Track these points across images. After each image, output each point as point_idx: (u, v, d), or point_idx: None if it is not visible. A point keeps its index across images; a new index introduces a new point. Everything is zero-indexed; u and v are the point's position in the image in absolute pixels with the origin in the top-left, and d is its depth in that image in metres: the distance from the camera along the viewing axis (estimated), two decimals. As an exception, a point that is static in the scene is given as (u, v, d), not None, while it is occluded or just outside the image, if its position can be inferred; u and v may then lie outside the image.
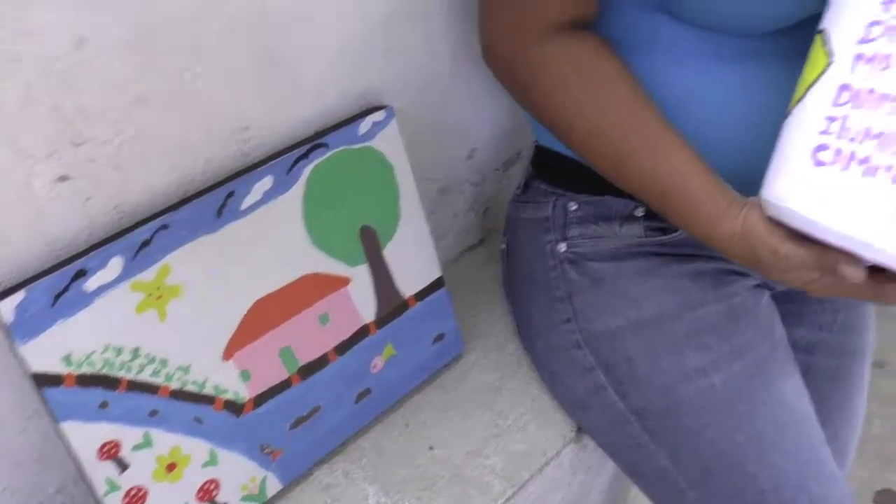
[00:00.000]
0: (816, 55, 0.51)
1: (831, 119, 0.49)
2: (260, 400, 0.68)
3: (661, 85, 0.64)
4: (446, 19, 0.78)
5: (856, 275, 0.50)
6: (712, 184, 0.59)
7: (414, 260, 0.76)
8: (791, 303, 0.80)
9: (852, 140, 0.47)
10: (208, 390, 0.65)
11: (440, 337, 0.81)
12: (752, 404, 0.68)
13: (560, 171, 0.76)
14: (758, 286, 0.75)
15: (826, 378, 0.85)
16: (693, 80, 0.64)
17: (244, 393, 0.67)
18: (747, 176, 0.58)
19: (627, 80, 0.62)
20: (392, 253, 0.74)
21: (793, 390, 0.71)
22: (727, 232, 0.58)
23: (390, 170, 0.72)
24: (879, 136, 0.46)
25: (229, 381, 0.66)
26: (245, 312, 0.66)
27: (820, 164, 0.49)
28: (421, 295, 0.78)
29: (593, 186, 0.72)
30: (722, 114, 0.65)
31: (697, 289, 0.71)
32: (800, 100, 0.52)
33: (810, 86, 0.51)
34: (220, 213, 0.62)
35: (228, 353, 0.65)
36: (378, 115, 0.70)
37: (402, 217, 0.74)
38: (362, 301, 0.73)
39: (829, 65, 0.50)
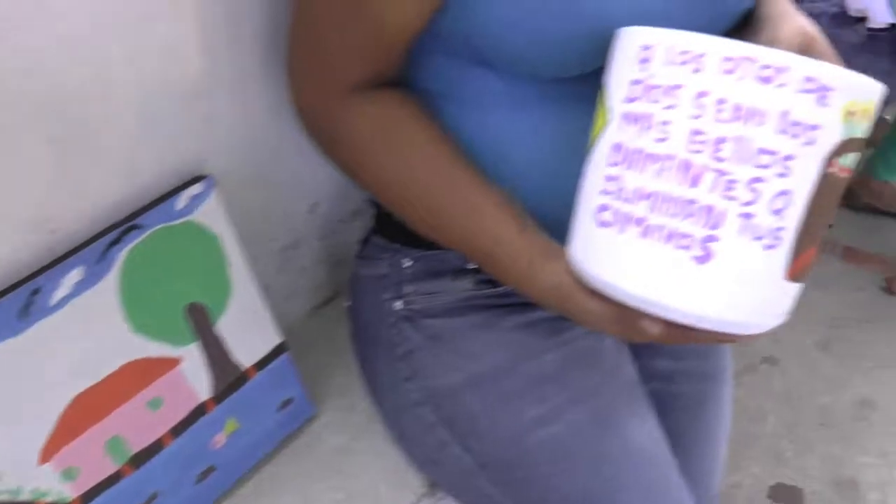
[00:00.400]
0: (598, 111, 0.52)
1: (609, 178, 0.49)
2: (88, 497, 0.65)
3: (477, 134, 0.64)
4: (262, 80, 0.77)
5: (654, 329, 0.51)
6: (526, 238, 0.59)
7: (251, 329, 0.75)
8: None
9: (627, 200, 0.48)
10: (25, 496, 0.61)
11: (287, 403, 0.79)
12: (598, 449, 0.69)
13: (395, 225, 0.75)
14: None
15: (688, 404, 0.86)
16: (508, 128, 0.64)
17: (68, 493, 0.64)
18: (567, 222, 0.58)
19: (433, 138, 0.62)
20: (226, 326, 0.72)
21: (643, 430, 0.72)
22: (541, 288, 0.58)
23: (215, 241, 0.71)
24: (650, 196, 0.47)
25: (49, 484, 0.63)
26: (63, 410, 0.63)
27: (602, 224, 0.49)
28: (262, 364, 0.76)
29: (426, 241, 0.71)
30: (539, 159, 0.65)
31: (534, 338, 0.71)
32: (587, 157, 0.52)
33: (594, 143, 0.52)
34: (25, 312, 0.59)
35: (47, 455, 0.62)
36: (197, 188, 0.69)
37: (233, 288, 0.73)
38: (196, 379, 0.71)
39: (607, 123, 0.50)
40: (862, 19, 1.69)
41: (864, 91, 0.46)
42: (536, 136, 0.64)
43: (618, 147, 0.49)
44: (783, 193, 0.45)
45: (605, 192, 0.50)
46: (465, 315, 0.72)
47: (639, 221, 0.47)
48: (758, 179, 0.45)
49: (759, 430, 1.74)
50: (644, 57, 0.48)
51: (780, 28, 0.62)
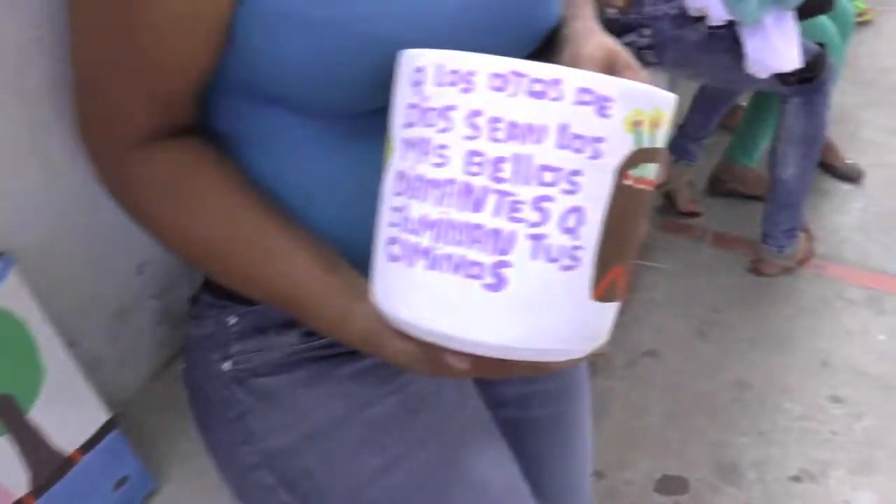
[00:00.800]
0: (387, 141, 0.50)
1: (395, 209, 0.47)
2: None
3: (280, 178, 0.62)
4: (62, 135, 0.72)
5: (461, 364, 0.49)
6: (333, 283, 0.57)
7: (72, 411, 0.71)
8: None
9: (413, 231, 0.46)
10: None
11: (123, 481, 0.75)
12: (444, 492, 0.68)
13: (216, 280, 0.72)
14: (440, 367, 0.75)
15: (546, 428, 0.87)
16: (311, 169, 0.62)
17: None
18: None
19: (230, 187, 0.59)
20: (41, 413, 0.68)
21: (491, 466, 0.71)
22: (353, 332, 0.56)
23: (20, 325, 0.66)
24: (434, 225, 0.45)
25: None
26: None
27: (392, 258, 0.47)
28: (88, 445, 0.72)
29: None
30: (346, 200, 0.63)
31: (368, 387, 0.70)
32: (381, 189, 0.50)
33: (384, 175, 0.50)
34: None
35: None
36: (-9, 270, 0.64)
37: (47, 371, 0.68)
38: (8, 476, 0.66)
39: (392, 152, 0.48)
40: (701, 18, 1.75)
41: (648, 100, 0.45)
42: (342, 176, 0.62)
43: (401, 175, 0.47)
44: (574, 210, 0.44)
45: (393, 224, 0.47)
46: (294, 371, 0.70)
47: (425, 252, 0.45)
48: (544, 198, 0.43)
49: (644, 424, 1.78)
50: (417, 80, 0.46)
51: (582, 45, 0.62)
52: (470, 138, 0.44)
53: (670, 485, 1.64)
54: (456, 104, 0.44)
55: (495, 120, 0.43)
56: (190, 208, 0.59)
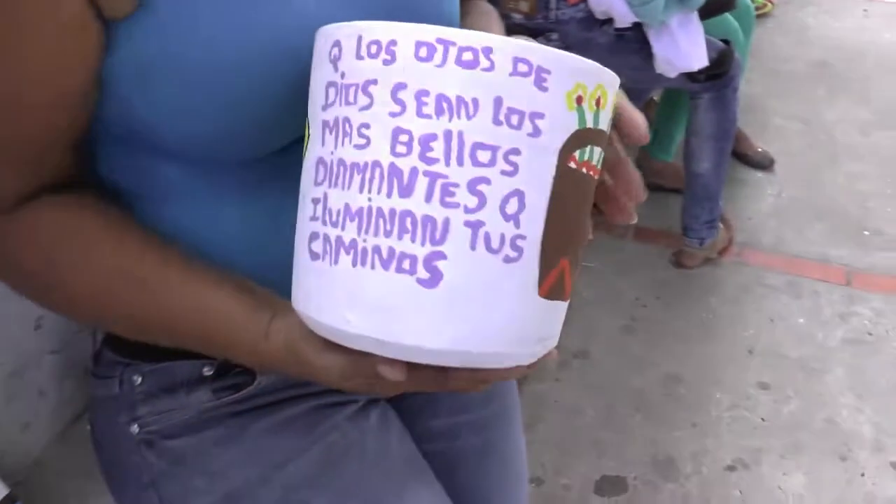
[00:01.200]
0: (306, 128, 0.45)
1: (315, 201, 0.42)
2: None
3: (176, 227, 0.58)
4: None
5: (396, 374, 0.44)
6: (245, 302, 0.53)
7: (-36, 491, 0.65)
8: (417, 397, 0.78)
9: (335, 224, 0.41)
10: None
11: (29, 559, 0.70)
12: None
13: (122, 336, 0.68)
14: (364, 406, 0.72)
15: (478, 455, 0.84)
16: (209, 221, 0.59)
17: None
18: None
19: (114, 236, 0.56)
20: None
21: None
22: (273, 351, 0.52)
23: None
24: (358, 214, 0.40)
25: None
26: None
27: (314, 256, 0.42)
28: (-14, 525, 0.67)
29: (155, 352, 0.65)
30: (250, 248, 0.60)
31: (287, 441, 0.66)
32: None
33: (304, 165, 0.45)
34: None
35: None
36: None
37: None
38: None
39: (311, 138, 0.43)
40: (609, 21, 1.77)
41: (591, 75, 0.41)
42: (243, 226, 0.59)
43: (319, 162, 0.42)
44: (514, 194, 0.39)
45: (313, 218, 0.42)
46: (207, 430, 0.66)
47: (350, 246, 0.40)
48: (481, 180, 0.39)
49: (580, 426, 1.79)
50: (335, 55, 0.41)
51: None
52: (395, 115, 0.39)
53: (609, 486, 1.65)
54: (377, 78, 0.39)
55: (422, 93, 0.39)
56: (73, 267, 0.55)
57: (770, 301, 2.14)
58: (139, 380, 0.67)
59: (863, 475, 1.66)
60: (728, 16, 2.08)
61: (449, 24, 0.61)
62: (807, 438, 1.74)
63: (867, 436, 1.75)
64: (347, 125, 0.40)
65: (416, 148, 0.39)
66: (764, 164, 2.65)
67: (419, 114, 0.39)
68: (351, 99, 0.40)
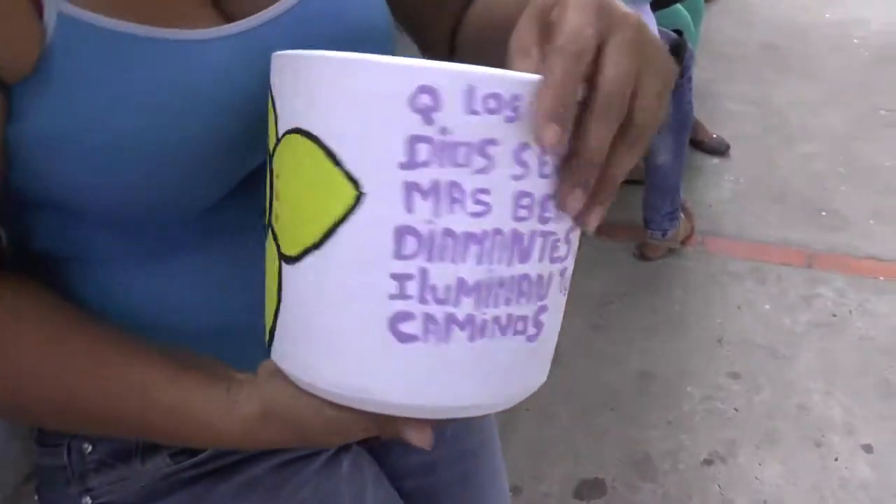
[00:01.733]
0: (340, 185, 0.37)
1: (402, 277, 0.37)
2: None
3: (112, 297, 0.54)
4: None
5: (423, 438, 0.41)
6: (196, 378, 0.48)
7: None
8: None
9: (443, 301, 0.37)
10: None
11: None
12: None
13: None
14: (335, 454, 0.67)
15: (455, 487, 0.81)
16: (140, 282, 0.54)
17: None
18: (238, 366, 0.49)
19: (47, 322, 0.50)
20: None
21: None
22: (237, 427, 0.47)
23: None
24: (476, 288, 0.37)
25: None
26: None
27: (408, 339, 0.37)
28: None
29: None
30: (201, 304, 0.55)
31: (254, 503, 0.62)
32: (312, 251, 0.38)
33: (329, 234, 0.37)
34: None
35: None
36: None
37: None
38: None
39: (359, 200, 0.36)
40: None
41: None
42: (172, 284, 0.55)
43: (406, 231, 0.36)
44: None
45: (400, 297, 0.37)
46: (167, 497, 0.61)
47: (466, 321, 0.37)
48: (573, 229, 0.40)
49: (554, 431, 1.76)
50: (426, 104, 0.35)
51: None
52: (518, 178, 0.36)
53: (588, 489, 1.63)
54: (497, 137, 0.35)
55: (544, 151, 0.36)
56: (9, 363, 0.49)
57: (735, 288, 2.14)
58: (89, 448, 0.62)
59: (836, 460, 1.66)
60: (679, 6, 2.07)
61: (382, 33, 0.57)
62: (781, 426, 1.74)
63: (838, 419, 1.75)
64: (457, 190, 0.35)
65: (536, 210, 0.37)
66: (720, 150, 2.66)
67: (541, 174, 0.36)
68: (461, 160, 0.35)
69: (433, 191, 0.35)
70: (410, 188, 0.36)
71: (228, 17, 0.50)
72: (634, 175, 2.34)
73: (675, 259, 2.25)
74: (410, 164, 0.35)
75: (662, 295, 2.13)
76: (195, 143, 0.47)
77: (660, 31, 1.77)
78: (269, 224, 0.42)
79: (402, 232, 0.36)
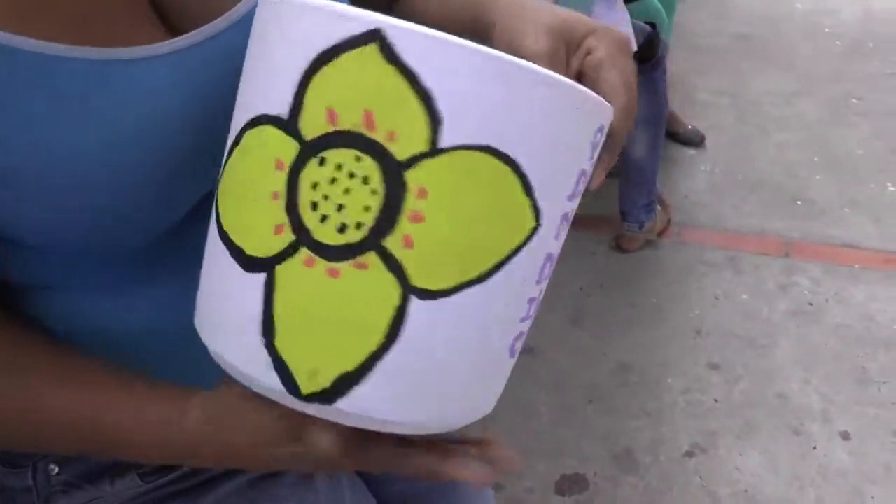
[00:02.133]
0: (513, 212, 0.34)
1: (531, 301, 0.37)
2: None
3: (76, 322, 0.53)
4: None
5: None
6: (149, 399, 0.47)
7: None
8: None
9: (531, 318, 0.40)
10: None
11: None
12: None
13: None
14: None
15: (435, 493, 0.80)
16: (106, 307, 0.53)
17: None
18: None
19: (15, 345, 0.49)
20: None
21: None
22: (190, 432, 0.45)
23: None
24: (531, 302, 0.40)
25: None
26: None
27: (513, 354, 0.39)
28: None
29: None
30: (147, 330, 0.54)
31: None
32: (474, 284, 0.34)
33: (510, 256, 0.35)
34: None
35: None
36: None
37: None
38: None
39: (534, 229, 0.35)
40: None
41: None
42: (151, 309, 0.54)
43: (550, 258, 0.37)
44: None
45: (525, 318, 0.37)
46: (139, 516, 0.59)
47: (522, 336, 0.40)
48: None
49: (535, 425, 1.76)
50: (597, 142, 0.37)
51: (517, 35, 0.55)
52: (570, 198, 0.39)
53: (570, 484, 1.62)
54: (587, 169, 0.38)
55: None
56: None
57: (712, 279, 2.15)
58: (55, 469, 0.60)
59: (815, 448, 1.67)
60: (652, -2, 2.07)
61: None
62: (760, 416, 1.75)
63: (816, 407, 1.76)
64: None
65: (563, 233, 0.39)
66: (695, 140, 2.67)
67: None
68: (581, 188, 0.38)
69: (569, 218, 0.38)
70: (565, 218, 0.37)
71: (175, 31, 0.47)
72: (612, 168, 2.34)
73: (653, 251, 2.25)
74: (573, 195, 0.37)
75: (640, 287, 2.13)
76: (130, 172, 0.44)
77: (633, 24, 1.77)
78: (389, 254, 0.33)
79: (548, 258, 0.37)
